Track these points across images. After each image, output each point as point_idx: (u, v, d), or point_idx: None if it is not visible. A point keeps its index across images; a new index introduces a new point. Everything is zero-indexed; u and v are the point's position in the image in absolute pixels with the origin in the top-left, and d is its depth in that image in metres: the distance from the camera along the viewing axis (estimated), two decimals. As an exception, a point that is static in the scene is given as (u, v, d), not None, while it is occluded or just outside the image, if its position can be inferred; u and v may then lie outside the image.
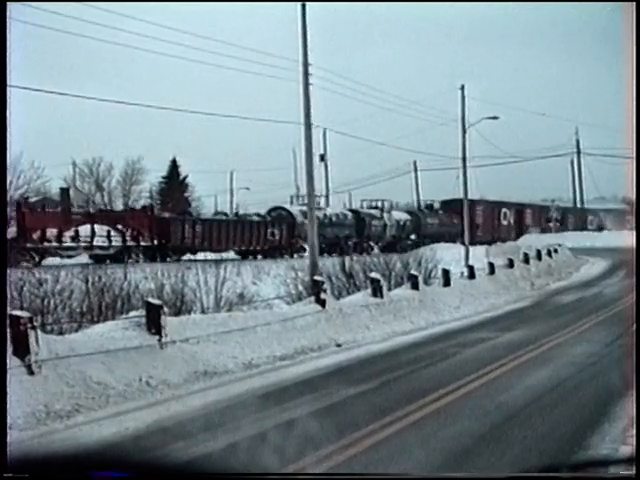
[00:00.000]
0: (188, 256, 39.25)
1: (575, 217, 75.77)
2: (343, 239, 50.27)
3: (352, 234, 51.72)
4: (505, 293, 26.93)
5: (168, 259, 37.71)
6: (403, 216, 58.22)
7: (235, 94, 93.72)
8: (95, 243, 37.28)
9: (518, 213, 68.29)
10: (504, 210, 65.75)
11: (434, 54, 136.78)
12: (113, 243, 37.90)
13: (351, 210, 55.02)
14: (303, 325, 16.53)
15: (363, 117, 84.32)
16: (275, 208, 51.82)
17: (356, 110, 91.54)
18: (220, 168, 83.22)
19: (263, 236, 46.19)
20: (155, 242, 39.77)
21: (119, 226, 38.65)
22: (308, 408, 10.06)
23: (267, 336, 15.22)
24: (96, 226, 37.52)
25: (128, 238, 38.71)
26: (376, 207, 56.40)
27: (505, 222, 65.92)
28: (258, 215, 49.77)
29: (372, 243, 52.94)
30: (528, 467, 3.07)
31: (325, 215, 50.24)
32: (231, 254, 43.00)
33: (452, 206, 60.78)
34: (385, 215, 55.78)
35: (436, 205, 61.98)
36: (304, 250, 47.77)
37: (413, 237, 56.88)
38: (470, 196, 46.70)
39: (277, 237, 47.03)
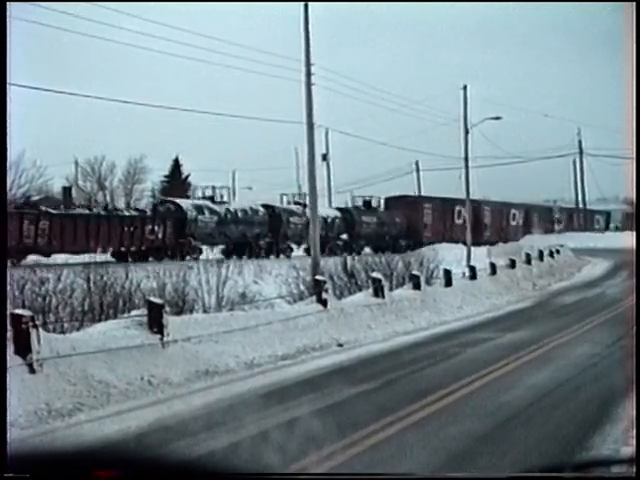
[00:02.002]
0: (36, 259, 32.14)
1: (540, 217, 72.08)
2: (252, 238, 43.68)
3: (264, 233, 44.45)
4: (507, 293, 26.92)
5: None
6: (332, 213, 50.46)
7: (237, 94, 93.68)
8: None
9: (474, 212, 60.11)
10: (457, 208, 58.36)
11: (436, 54, 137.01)
12: None
13: (265, 205, 46.56)
14: (305, 325, 16.53)
15: (365, 117, 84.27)
16: (163, 202, 44.75)
17: (358, 110, 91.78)
18: (222, 167, 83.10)
19: (140, 234, 38.89)
20: None
21: None
22: (310, 407, 10.05)
23: (269, 335, 15.22)
24: None
25: None
26: (298, 202, 48.44)
27: (460, 221, 57.54)
28: (137, 210, 43.01)
29: (292, 244, 45.91)
30: (530, 467, 3.06)
31: (228, 210, 43.83)
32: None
33: (396, 204, 55.91)
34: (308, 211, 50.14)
35: (375, 202, 54.61)
36: (200, 252, 40.94)
37: (345, 237, 49.82)
38: (472, 196, 46.37)
39: (160, 236, 39.86)
